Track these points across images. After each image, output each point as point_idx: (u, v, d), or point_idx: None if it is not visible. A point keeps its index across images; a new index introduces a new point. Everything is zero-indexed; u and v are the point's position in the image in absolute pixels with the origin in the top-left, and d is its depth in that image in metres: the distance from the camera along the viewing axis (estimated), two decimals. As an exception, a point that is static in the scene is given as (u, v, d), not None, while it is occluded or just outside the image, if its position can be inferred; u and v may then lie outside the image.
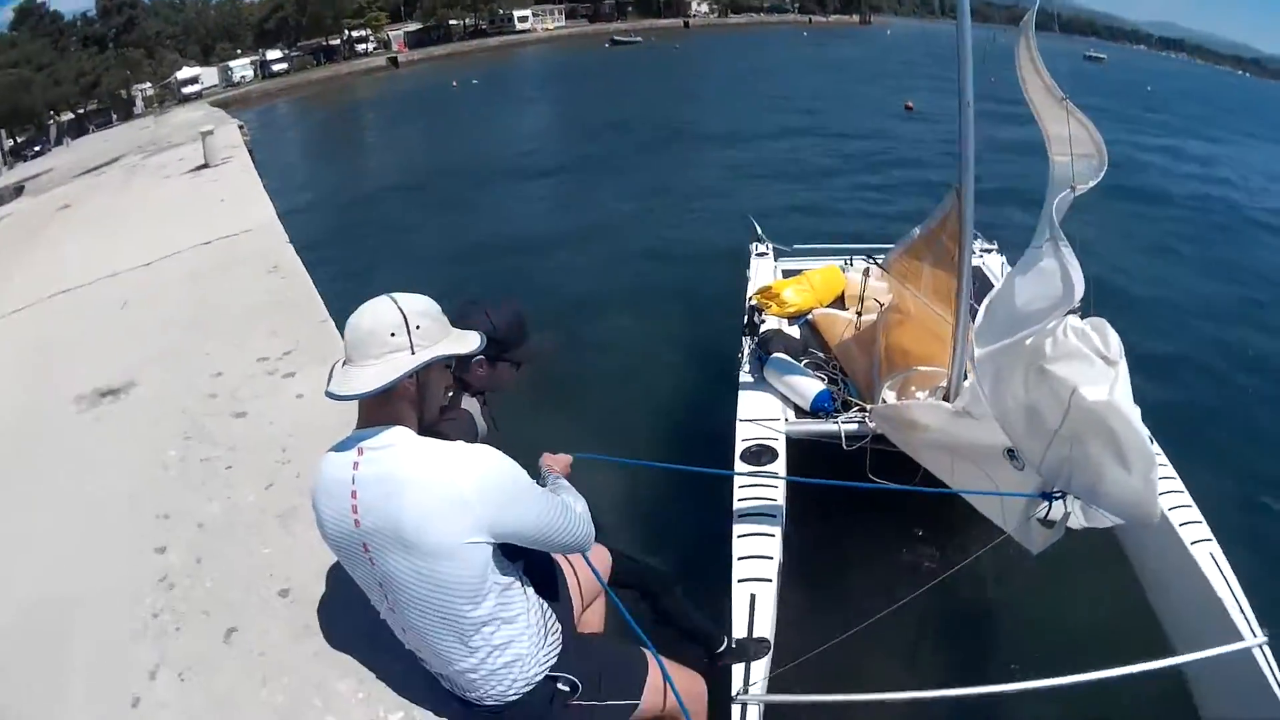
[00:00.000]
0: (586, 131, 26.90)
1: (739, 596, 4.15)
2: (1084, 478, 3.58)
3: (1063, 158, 4.41)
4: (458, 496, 2.13)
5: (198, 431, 4.75)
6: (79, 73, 62.04)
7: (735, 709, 3.62)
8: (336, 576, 3.25)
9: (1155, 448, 4.87)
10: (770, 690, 3.83)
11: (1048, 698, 3.83)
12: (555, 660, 2.54)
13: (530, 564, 2.68)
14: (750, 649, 3.88)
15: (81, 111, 57.31)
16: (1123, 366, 3.38)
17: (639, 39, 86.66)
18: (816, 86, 36.81)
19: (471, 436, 2.83)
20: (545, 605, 2.62)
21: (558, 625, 2.64)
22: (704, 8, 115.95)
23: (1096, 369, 3.38)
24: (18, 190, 20.80)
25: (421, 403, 2.30)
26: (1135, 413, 3.31)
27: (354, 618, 2.98)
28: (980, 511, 4.30)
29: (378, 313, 2.21)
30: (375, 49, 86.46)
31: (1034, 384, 3.59)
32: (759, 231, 9.18)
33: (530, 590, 2.55)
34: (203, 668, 3.04)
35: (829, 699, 3.80)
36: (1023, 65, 4.65)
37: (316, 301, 6.44)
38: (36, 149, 39.88)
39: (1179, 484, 4.76)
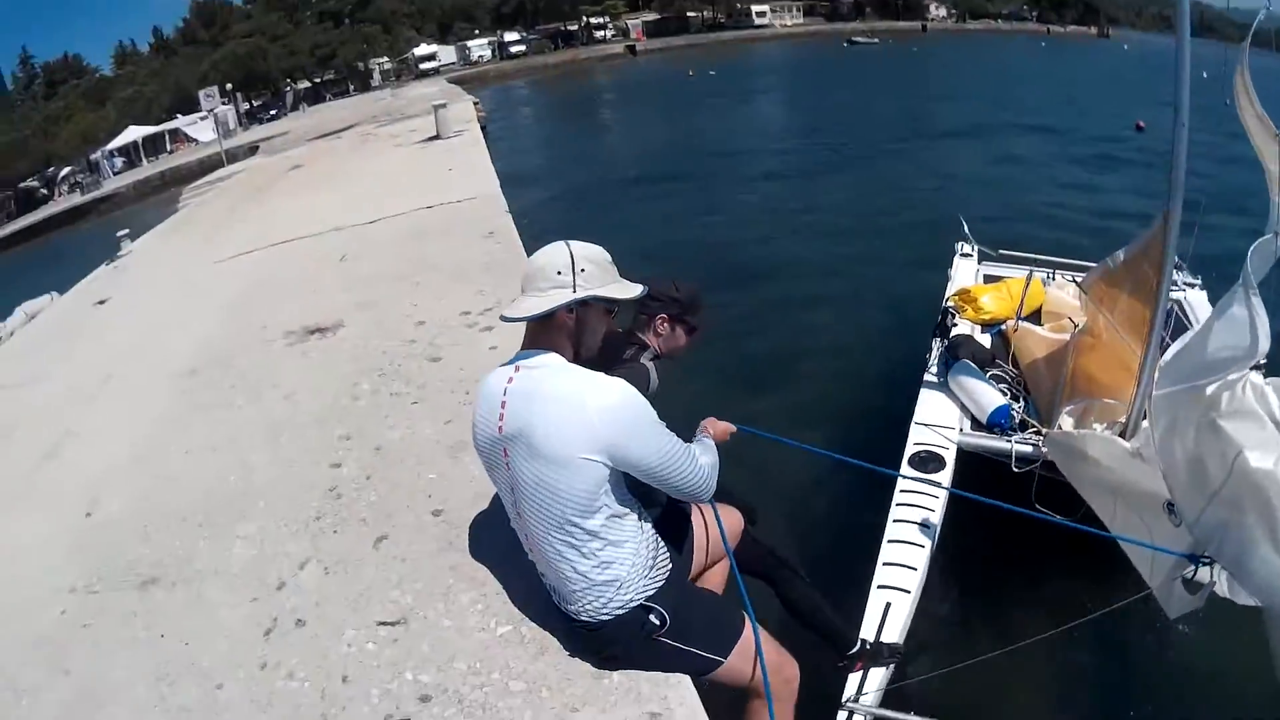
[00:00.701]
0: (819, 127, 26.82)
1: (874, 603, 4.16)
2: (1234, 548, 3.36)
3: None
4: (583, 414, 2.38)
5: (393, 369, 5.26)
6: (314, 45, 66.81)
7: (841, 715, 3.66)
8: (486, 505, 3.67)
9: None
10: (883, 704, 3.82)
11: None
12: (654, 593, 2.71)
13: (663, 509, 2.97)
14: (879, 654, 3.90)
15: (318, 80, 61.98)
16: None
17: (876, 40, 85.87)
18: (1051, 95, 35.23)
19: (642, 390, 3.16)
20: (660, 543, 2.80)
21: (667, 564, 2.80)
22: (941, 11, 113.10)
23: (1268, 434, 3.20)
24: (252, 149, 22.95)
25: (579, 337, 2.58)
26: None
27: (493, 542, 3.39)
28: (1131, 561, 4.16)
29: (551, 252, 2.54)
30: (613, 36, 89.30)
31: (1204, 437, 3.41)
32: (965, 231, 9.04)
33: (648, 526, 2.76)
34: (347, 566, 3.48)
35: None
36: (1239, 94, 4.46)
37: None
38: (272, 113, 43.37)
39: None
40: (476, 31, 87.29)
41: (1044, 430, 5.35)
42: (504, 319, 2.56)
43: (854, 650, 3.82)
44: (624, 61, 72.60)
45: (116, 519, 4.11)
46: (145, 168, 35.74)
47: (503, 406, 2.52)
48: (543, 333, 2.55)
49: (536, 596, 2.96)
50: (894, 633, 4.07)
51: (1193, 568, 3.54)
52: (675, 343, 3.46)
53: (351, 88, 55.22)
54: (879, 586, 4.26)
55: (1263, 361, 3.41)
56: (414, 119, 19.80)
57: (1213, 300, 7.07)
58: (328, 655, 3.03)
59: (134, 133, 43.08)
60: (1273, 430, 3.19)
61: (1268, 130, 4.38)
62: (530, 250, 2.74)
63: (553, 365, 2.51)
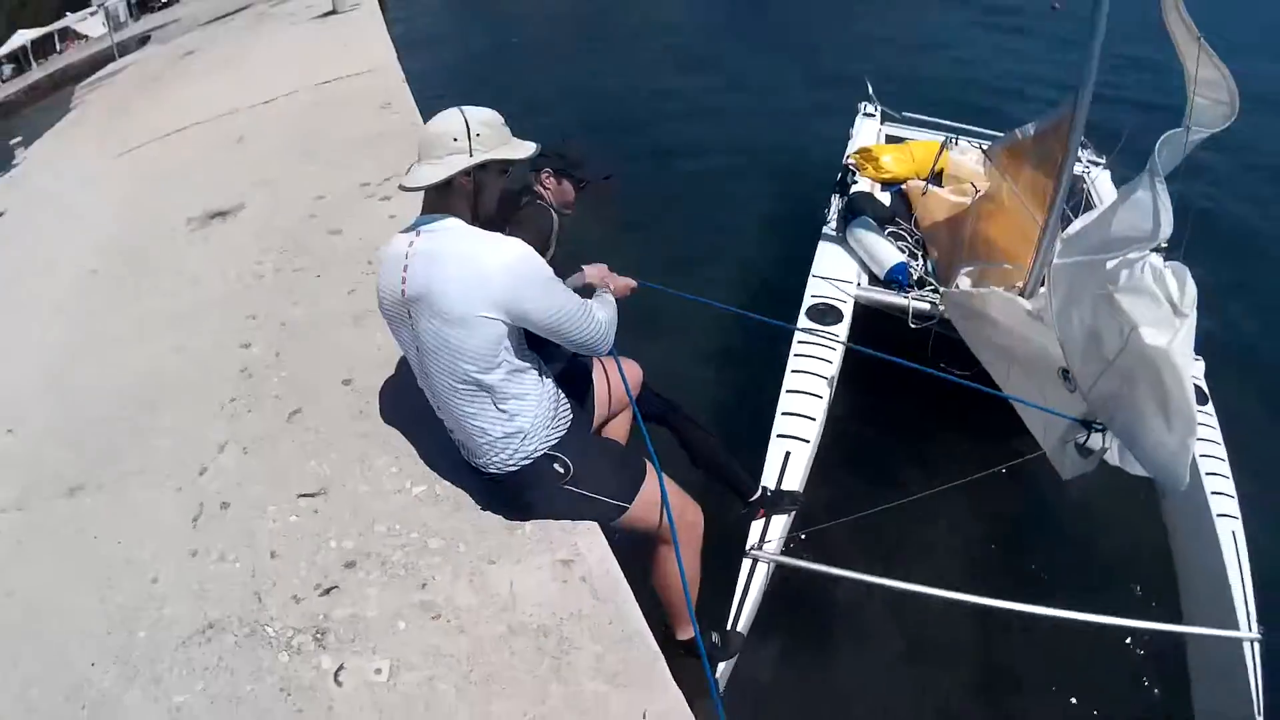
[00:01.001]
0: None
1: (774, 452, 4.27)
2: (1126, 419, 3.52)
3: (1198, 97, 4.28)
4: (480, 273, 2.44)
5: (294, 246, 5.18)
6: (206, -81, 63.71)
7: (745, 563, 3.79)
8: (393, 370, 3.75)
9: (1209, 410, 4.83)
10: (784, 552, 3.98)
11: (1050, 624, 3.91)
12: (556, 442, 2.80)
13: (565, 364, 3.10)
14: (779, 501, 4.03)
15: (212, -40, 59.07)
16: (1191, 321, 3.26)
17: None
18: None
19: (540, 245, 3.18)
20: (561, 396, 2.89)
21: (569, 415, 2.89)
22: None
23: (1162, 313, 3.27)
24: (143, 40, 21.84)
25: (477, 199, 2.62)
26: (1190, 371, 3.25)
27: (402, 405, 3.46)
28: (1025, 423, 4.31)
29: (446, 119, 2.56)
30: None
31: (1101, 309, 3.50)
32: (870, 91, 9.05)
33: (548, 380, 2.84)
34: (265, 443, 3.51)
35: (837, 572, 3.87)
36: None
37: (421, 134, 6.75)
38: (164, 0, 41.36)
39: (1223, 453, 4.69)
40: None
41: (942, 289, 5.46)
42: (403, 188, 2.60)
43: (755, 497, 3.95)
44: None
45: (38, 433, 4.06)
46: (35, 71, 33.95)
47: (405, 270, 2.56)
48: (441, 198, 2.59)
49: (447, 454, 3.04)
50: (794, 481, 4.19)
51: (1085, 433, 3.72)
52: (564, 196, 3.57)
53: (246, -34, 52.45)
54: (778, 436, 4.37)
55: (1164, 245, 3.50)
56: (310, -7, 18.97)
57: (1116, 181, 7.24)
58: (254, 534, 3.08)
59: (21, 37, 40.73)
60: (1167, 310, 3.28)
61: (1190, 33, 4.38)
62: (427, 118, 2.69)
63: (453, 228, 2.56)
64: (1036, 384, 4.18)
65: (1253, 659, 3.81)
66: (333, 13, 15.28)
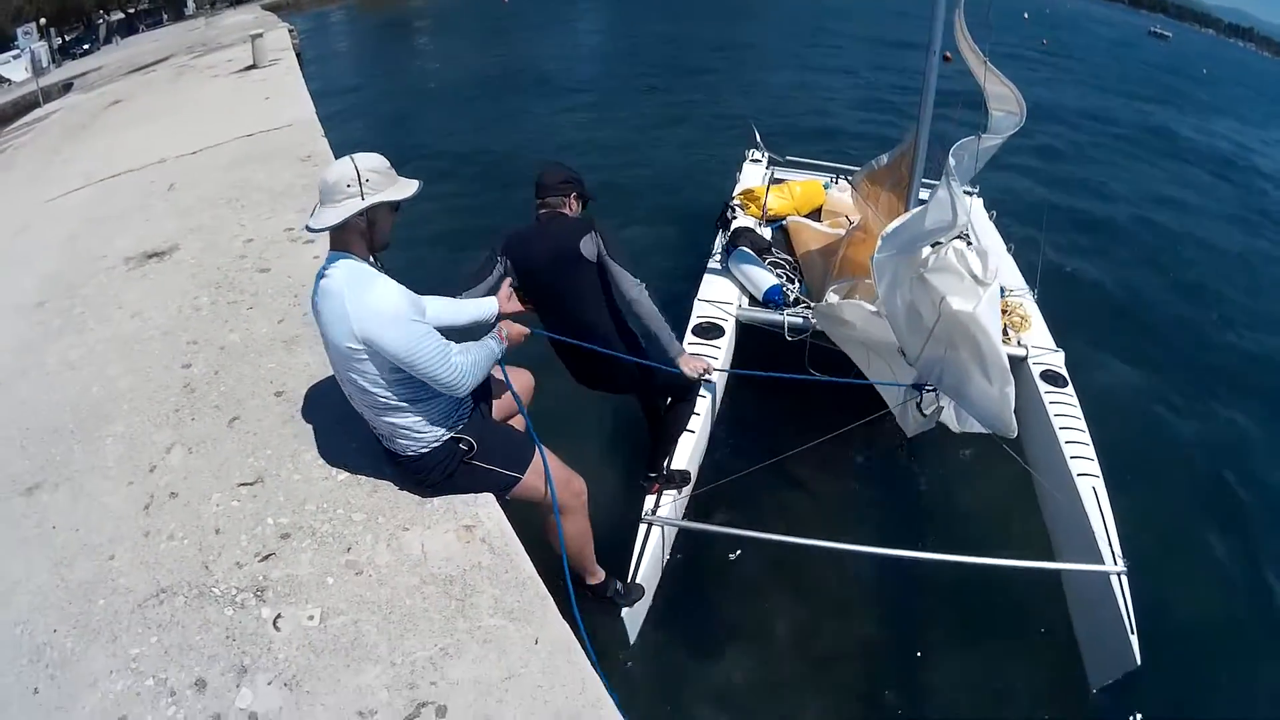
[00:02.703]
0: (635, 51, 26.19)
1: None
2: (952, 379, 4.05)
3: (994, 110, 4.99)
4: (344, 311, 2.81)
5: (227, 282, 5.49)
6: (126, -27, 61.74)
7: (641, 527, 4.26)
8: (319, 382, 4.14)
9: (1069, 392, 5.43)
10: (685, 518, 4.49)
11: (938, 568, 4.36)
12: (462, 428, 3.21)
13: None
14: (672, 479, 4.54)
15: (132, 11, 56.94)
16: (993, 290, 3.82)
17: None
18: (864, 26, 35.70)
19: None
20: (463, 400, 3.26)
21: (467, 412, 3.28)
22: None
23: (966, 285, 3.79)
24: (66, 87, 21.33)
25: (371, 234, 2.95)
26: (997, 331, 3.80)
27: (328, 409, 3.85)
28: (885, 400, 4.81)
29: (340, 168, 2.89)
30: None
31: (917, 289, 4.00)
32: (757, 138, 9.50)
33: None
34: (208, 444, 3.85)
35: (721, 530, 4.55)
36: (957, 30, 5.15)
37: (341, 186, 7.05)
38: (85, 47, 39.55)
39: (1083, 425, 5.23)
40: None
41: (812, 304, 5.90)
42: (308, 229, 2.92)
43: (652, 475, 4.44)
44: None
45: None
46: (-44, 115, 32.62)
47: (316, 295, 2.96)
48: (341, 236, 2.94)
49: (368, 448, 3.44)
50: (683, 463, 4.68)
51: (919, 394, 4.20)
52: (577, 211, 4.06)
53: (165, 17, 50.80)
54: None
55: (965, 232, 4.04)
56: (230, 48, 18.91)
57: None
58: (200, 516, 3.40)
59: (-58, 79, 38.98)
60: (970, 282, 3.78)
61: (978, 57, 5.09)
62: None
63: (341, 269, 2.90)
64: (888, 365, 4.64)
65: (1120, 589, 4.17)
66: (253, 67, 15.39)
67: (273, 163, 8.35)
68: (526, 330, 3.51)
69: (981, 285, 3.81)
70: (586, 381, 4.19)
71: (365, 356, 2.88)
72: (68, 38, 42.94)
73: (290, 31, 22.12)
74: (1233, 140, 21.77)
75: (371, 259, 3.01)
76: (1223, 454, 6.64)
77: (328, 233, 2.92)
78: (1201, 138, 21.22)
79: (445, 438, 3.19)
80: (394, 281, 2.96)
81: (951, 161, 4.11)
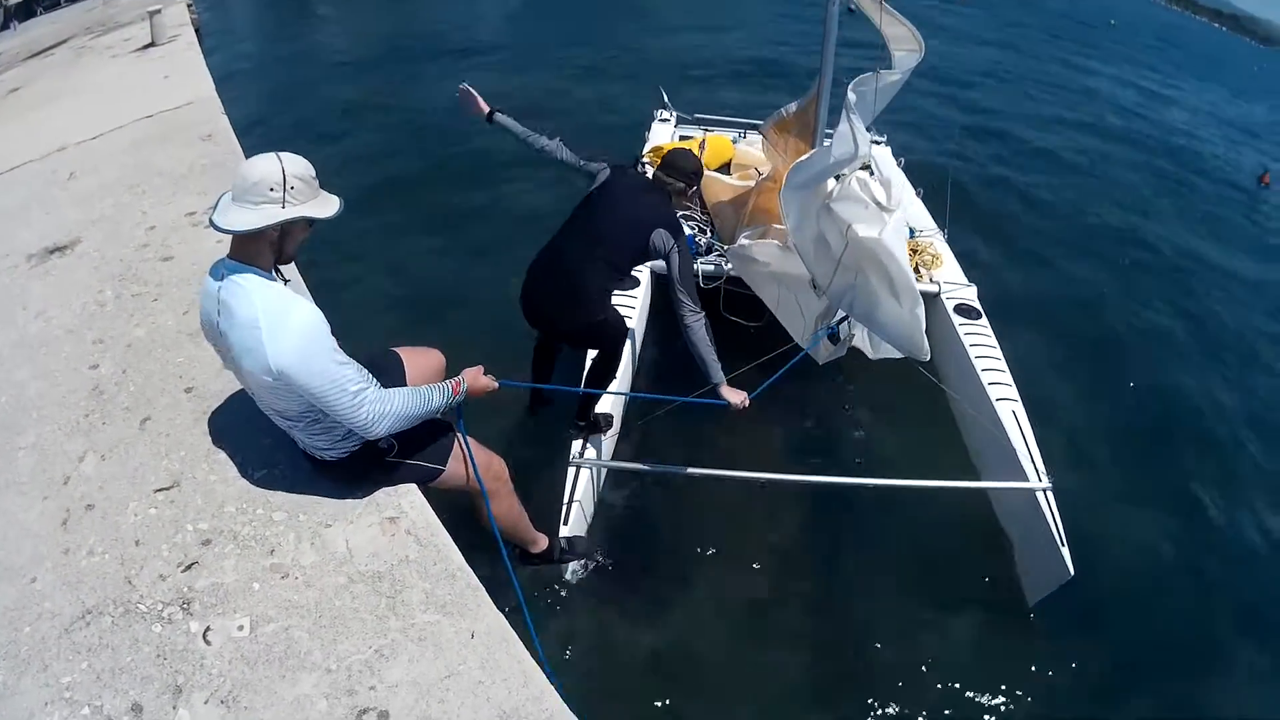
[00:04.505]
0: (541, 11, 25.56)
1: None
2: (863, 305, 4.04)
3: (895, 50, 4.89)
4: (259, 345, 2.50)
5: (131, 274, 5.09)
6: (19, -51, 58.05)
7: (570, 470, 4.26)
8: (230, 377, 3.69)
9: (984, 324, 5.47)
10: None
11: (871, 496, 4.39)
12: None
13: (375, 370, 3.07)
14: (596, 424, 4.50)
15: (27, -6, 53.99)
16: (898, 216, 3.77)
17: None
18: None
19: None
20: None
21: None
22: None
23: (870, 212, 3.78)
24: (-39, 78, 20.13)
25: (281, 247, 2.64)
26: (904, 254, 3.76)
27: (240, 406, 3.52)
28: (790, 334, 4.86)
29: (264, 166, 2.51)
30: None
31: (824, 219, 3.99)
32: (665, 99, 9.44)
33: None
34: (120, 449, 3.54)
35: (647, 468, 4.56)
36: None
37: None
38: None
39: (999, 353, 5.28)
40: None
41: (726, 247, 5.91)
42: (215, 228, 2.54)
43: (581, 424, 4.44)
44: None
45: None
46: None
47: (218, 315, 2.59)
48: (248, 243, 2.58)
49: (284, 440, 3.16)
50: (607, 408, 4.66)
51: (830, 319, 4.28)
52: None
53: (62, -1, 47.98)
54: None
55: (868, 163, 3.97)
56: (128, 27, 17.65)
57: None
58: (119, 528, 3.13)
59: None
60: (874, 209, 3.74)
61: (874, 3, 4.99)
62: (246, 150, 2.72)
63: (250, 286, 2.55)
64: (797, 299, 4.69)
65: (1048, 505, 4.24)
66: (151, 45, 14.46)
67: (173, 143, 7.79)
68: (493, 385, 3.23)
69: (886, 211, 3.76)
70: (531, 315, 4.18)
71: (280, 386, 2.60)
72: (-39, 26, 40.18)
73: (189, 6, 20.76)
74: (1127, 82, 22.71)
75: (274, 272, 2.69)
76: (1137, 370, 7.04)
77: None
78: (1105, 85, 21.92)
79: (364, 441, 2.95)
80: (308, 304, 2.67)
81: (852, 96, 4.01)
